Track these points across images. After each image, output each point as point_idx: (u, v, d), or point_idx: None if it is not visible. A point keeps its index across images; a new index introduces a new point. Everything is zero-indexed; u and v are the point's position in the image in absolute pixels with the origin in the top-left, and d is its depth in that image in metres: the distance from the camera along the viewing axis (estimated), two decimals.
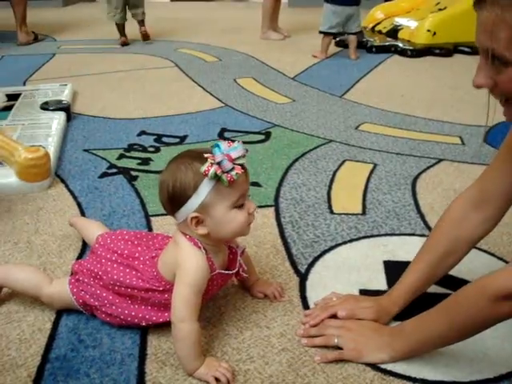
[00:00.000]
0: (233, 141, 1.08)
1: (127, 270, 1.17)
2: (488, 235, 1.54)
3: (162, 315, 1.16)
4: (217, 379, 1.06)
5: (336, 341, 1.13)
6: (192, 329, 1.07)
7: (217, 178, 1.04)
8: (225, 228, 1.11)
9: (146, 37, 4.44)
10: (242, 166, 1.06)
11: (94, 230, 1.42)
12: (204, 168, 1.03)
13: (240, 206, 1.10)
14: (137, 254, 1.20)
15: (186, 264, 1.10)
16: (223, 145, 1.05)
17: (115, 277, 1.17)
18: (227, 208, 1.08)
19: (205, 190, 1.06)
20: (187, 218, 1.08)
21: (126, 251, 1.21)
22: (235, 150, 1.05)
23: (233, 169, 1.04)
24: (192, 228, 1.09)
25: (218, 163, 1.03)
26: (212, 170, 1.02)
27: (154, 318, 1.16)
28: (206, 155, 1.04)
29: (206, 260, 1.11)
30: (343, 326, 1.15)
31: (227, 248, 1.19)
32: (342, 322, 1.17)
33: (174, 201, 1.09)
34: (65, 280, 1.25)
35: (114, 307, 1.18)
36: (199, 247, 1.11)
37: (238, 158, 1.05)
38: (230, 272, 1.19)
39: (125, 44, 4.35)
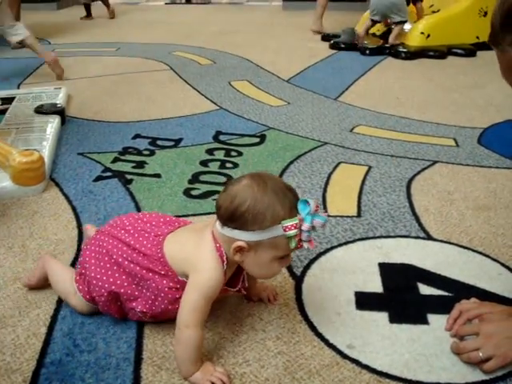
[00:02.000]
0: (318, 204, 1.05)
1: (131, 245, 1.16)
2: (482, 236, 1.56)
3: (151, 307, 1.14)
4: None
5: (481, 355, 1.09)
6: (196, 335, 1.07)
7: (289, 237, 1.02)
8: (258, 270, 1.11)
9: (113, 15, 5.91)
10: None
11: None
12: (287, 224, 1.00)
13: (281, 259, 1.09)
14: (142, 232, 1.18)
15: (204, 272, 1.08)
16: (312, 204, 1.02)
17: (120, 252, 1.16)
18: (272, 258, 1.07)
19: (270, 234, 1.03)
20: (235, 242, 1.05)
21: (137, 227, 1.19)
22: (321, 220, 1.02)
23: (309, 241, 1.03)
24: (231, 250, 1.06)
25: (301, 230, 1.01)
26: (292, 233, 1.00)
27: (147, 307, 1.14)
28: (298, 216, 1.01)
29: (223, 275, 1.09)
30: (481, 333, 1.12)
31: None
32: (478, 326, 1.14)
33: (235, 219, 1.03)
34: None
35: (103, 290, 1.16)
36: (223, 262, 1.08)
37: (317, 227, 1.03)
38: (233, 290, 1.17)
39: (87, 20, 5.73)
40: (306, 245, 1.03)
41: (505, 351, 1.08)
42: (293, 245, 1.02)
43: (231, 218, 1.04)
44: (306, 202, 1.02)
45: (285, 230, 1.01)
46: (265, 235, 1.03)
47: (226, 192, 1.06)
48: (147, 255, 1.14)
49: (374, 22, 4.21)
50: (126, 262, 1.15)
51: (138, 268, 1.14)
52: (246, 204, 1.01)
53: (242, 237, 1.04)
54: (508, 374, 1.08)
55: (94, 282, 1.17)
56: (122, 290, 1.15)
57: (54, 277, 1.30)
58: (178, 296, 1.12)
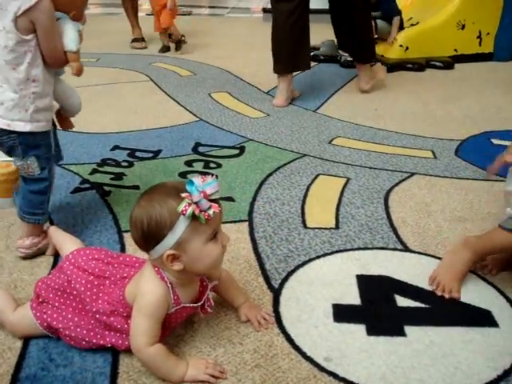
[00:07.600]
0: (206, 173, 1.08)
1: (94, 290, 1.16)
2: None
3: (125, 342, 1.14)
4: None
5: None
6: (153, 352, 1.08)
7: (194, 216, 1.03)
8: (201, 263, 1.10)
9: None
10: (217, 202, 1.06)
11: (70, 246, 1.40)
12: (181, 208, 1.02)
13: (213, 238, 1.10)
14: (107, 273, 1.19)
15: (144, 294, 1.10)
16: (197, 180, 1.04)
17: (82, 296, 1.16)
18: (203, 243, 1.08)
19: (181, 227, 1.05)
20: (163, 256, 1.07)
21: (96, 269, 1.20)
22: (210, 185, 1.04)
23: (210, 207, 1.04)
24: (168, 264, 1.08)
25: (196, 203, 1.02)
26: (190, 210, 1.02)
27: (119, 343, 1.15)
28: (182, 195, 1.03)
29: (168, 293, 1.10)
30: None
31: (199, 281, 1.19)
32: None
33: (148, 239, 1.07)
34: (26, 305, 1.23)
35: (78, 329, 1.16)
36: (165, 281, 1.10)
37: (213, 193, 1.04)
38: (195, 305, 1.17)
39: None
40: (211, 212, 1.04)
41: None
42: (202, 220, 1.03)
43: (145, 241, 1.08)
44: (192, 182, 1.04)
45: (183, 214, 1.02)
46: (177, 231, 1.05)
47: (130, 227, 1.11)
48: (110, 297, 1.15)
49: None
50: (90, 314, 1.16)
51: (97, 315, 1.15)
52: (144, 221, 1.06)
53: (165, 247, 1.06)
54: None
55: (64, 321, 1.18)
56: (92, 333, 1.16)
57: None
58: None
